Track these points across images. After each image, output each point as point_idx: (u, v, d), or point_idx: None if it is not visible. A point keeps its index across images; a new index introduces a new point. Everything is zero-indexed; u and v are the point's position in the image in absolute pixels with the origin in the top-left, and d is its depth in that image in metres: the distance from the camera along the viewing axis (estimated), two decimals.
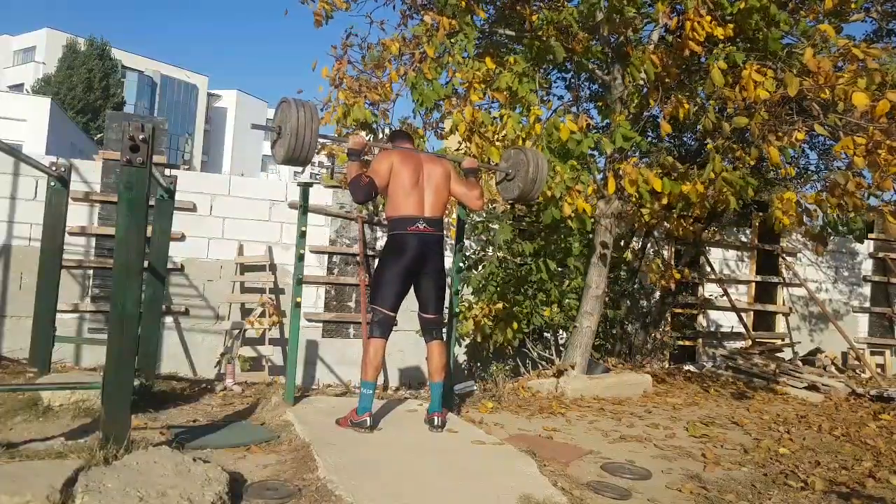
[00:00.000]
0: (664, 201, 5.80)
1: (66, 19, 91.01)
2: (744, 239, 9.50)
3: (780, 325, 9.64)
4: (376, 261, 7.59)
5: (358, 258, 7.52)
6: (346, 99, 5.57)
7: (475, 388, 5.76)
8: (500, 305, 6.56)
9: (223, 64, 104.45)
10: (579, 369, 5.92)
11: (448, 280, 4.36)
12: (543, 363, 6.58)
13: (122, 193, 2.90)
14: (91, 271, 6.78)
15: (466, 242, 6.75)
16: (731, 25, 5.04)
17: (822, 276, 10.00)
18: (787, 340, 9.35)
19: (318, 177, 11.18)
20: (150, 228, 4.50)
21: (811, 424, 5.09)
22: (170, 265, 6.35)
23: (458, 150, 5.75)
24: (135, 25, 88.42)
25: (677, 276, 7.90)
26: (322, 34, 13.07)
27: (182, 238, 6.95)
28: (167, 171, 5.63)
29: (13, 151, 3.93)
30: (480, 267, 7.06)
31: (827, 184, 5.06)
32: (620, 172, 5.13)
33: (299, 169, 3.91)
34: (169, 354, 6.87)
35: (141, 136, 2.87)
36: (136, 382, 3.97)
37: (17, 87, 33.77)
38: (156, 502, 2.34)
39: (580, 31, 5.44)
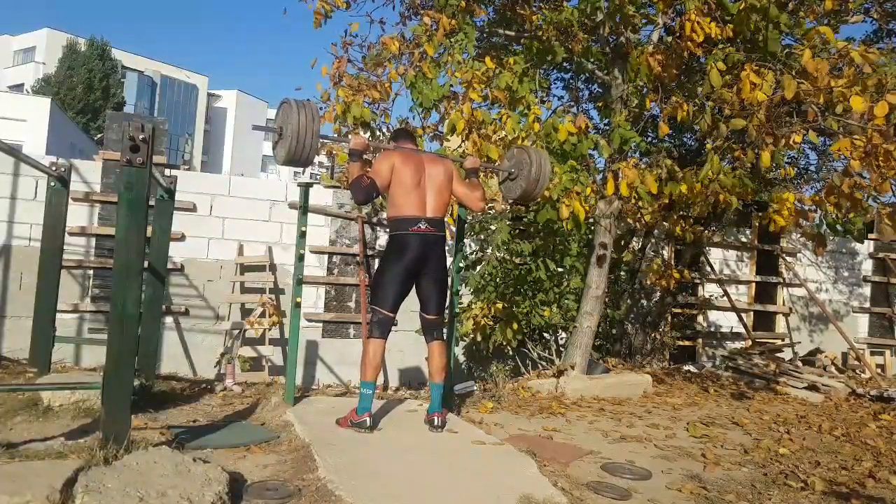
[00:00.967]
0: (664, 201, 5.81)
1: (66, 19, 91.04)
2: (744, 239, 9.50)
3: (780, 326, 9.65)
4: (376, 261, 7.62)
5: (358, 258, 7.51)
6: (345, 96, 5.57)
7: (475, 388, 5.76)
8: (499, 305, 6.56)
9: (223, 64, 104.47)
10: (579, 369, 5.92)
11: (448, 280, 4.36)
12: (543, 363, 6.58)
13: (122, 193, 2.90)
14: (91, 271, 6.78)
15: (466, 242, 6.76)
16: (730, 26, 5.04)
17: (822, 277, 10.00)
18: (787, 341, 9.36)
19: (317, 177, 11.18)
20: (150, 228, 4.50)
21: (811, 425, 5.09)
22: (170, 265, 6.35)
23: (457, 149, 5.75)
24: (135, 25, 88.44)
25: (677, 276, 7.90)
26: (322, 34, 13.09)
27: (182, 238, 6.95)
28: (167, 172, 5.63)
29: (13, 151, 3.93)
30: (479, 267, 7.06)
31: (826, 184, 5.06)
32: (620, 173, 5.13)
33: (299, 169, 3.93)
34: (169, 354, 6.87)
35: (141, 137, 2.87)
36: (136, 382, 3.97)
37: (17, 87, 33.77)
38: (156, 502, 2.34)
39: (580, 31, 5.45)
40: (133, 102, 40.57)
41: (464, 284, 6.77)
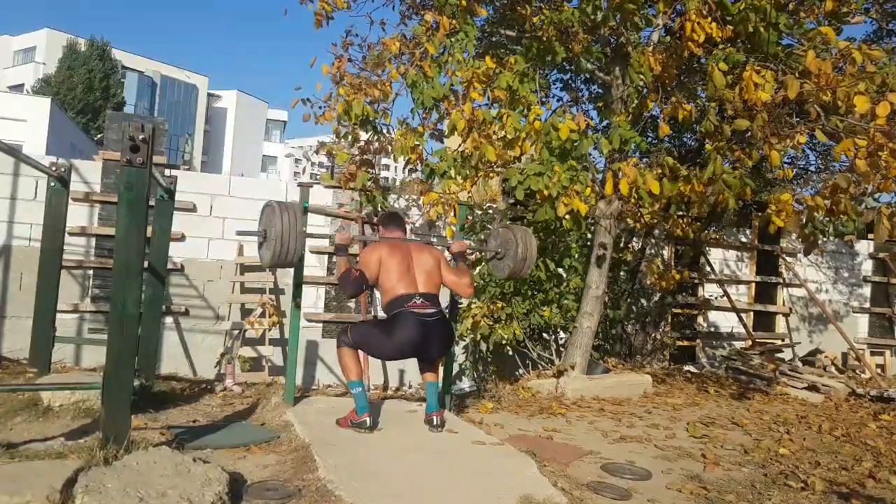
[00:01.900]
0: (663, 201, 5.80)
1: (66, 19, 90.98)
2: (744, 239, 9.50)
3: (780, 326, 9.64)
4: None
5: (358, 258, 7.50)
6: (346, 95, 5.56)
7: (475, 388, 5.76)
8: (499, 305, 6.56)
9: (223, 64, 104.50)
10: (579, 369, 5.92)
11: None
12: (543, 363, 6.58)
13: (122, 194, 2.90)
14: (91, 271, 6.77)
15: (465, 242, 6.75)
16: (730, 27, 5.04)
17: (822, 277, 10.00)
18: (786, 341, 9.35)
19: (317, 177, 11.18)
20: (150, 228, 4.50)
21: (811, 425, 5.09)
22: (170, 265, 6.35)
23: (456, 150, 5.75)
24: (135, 25, 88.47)
25: (677, 276, 7.90)
26: (322, 34, 13.04)
27: (182, 238, 6.94)
28: (167, 172, 5.62)
29: (13, 151, 3.93)
30: (479, 267, 7.06)
31: (821, 186, 5.07)
32: (620, 173, 5.13)
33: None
34: (169, 354, 6.86)
35: (141, 137, 2.87)
36: (136, 382, 3.97)
37: (17, 88, 33.75)
38: (156, 502, 2.34)
39: (581, 31, 5.44)
40: (133, 102, 40.52)
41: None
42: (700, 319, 9.23)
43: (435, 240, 5.03)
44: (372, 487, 2.80)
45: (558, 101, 8.14)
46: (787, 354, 9.02)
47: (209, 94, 48.23)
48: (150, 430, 3.53)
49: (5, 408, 3.74)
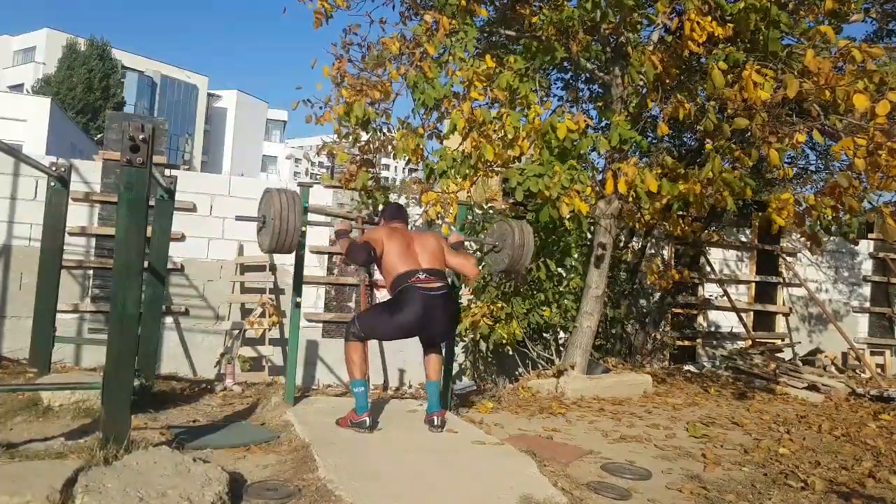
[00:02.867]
0: (663, 201, 5.80)
1: (66, 19, 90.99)
2: (744, 239, 9.50)
3: (780, 326, 9.64)
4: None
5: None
6: (347, 97, 5.56)
7: (475, 388, 5.76)
8: (499, 305, 6.56)
9: (223, 64, 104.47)
10: (579, 369, 5.92)
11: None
12: (543, 363, 6.58)
13: (122, 193, 2.90)
14: (91, 271, 6.77)
15: (465, 244, 6.75)
16: (730, 26, 5.04)
17: (822, 276, 10.00)
18: (786, 340, 9.35)
19: (317, 177, 11.18)
20: (150, 228, 4.50)
21: (811, 424, 5.09)
22: (170, 265, 6.34)
23: (456, 149, 5.74)
24: (135, 25, 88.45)
25: (677, 276, 7.90)
26: (322, 34, 13.09)
27: (182, 238, 6.94)
28: (167, 171, 5.62)
29: (13, 151, 3.93)
30: (479, 266, 7.06)
31: (823, 185, 5.07)
32: (619, 173, 5.13)
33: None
34: (169, 354, 6.86)
35: (141, 137, 2.87)
36: (136, 382, 3.96)
37: (17, 87, 33.73)
38: (156, 502, 2.34)
39: (580, 31, 5.44)
40: (133, 102, 40.50)
41: (464, 285, 6.77)
42: (700, 319, 9.23)
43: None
44: (372, 487, 2.80)
45: (558, 100, 8.14)
46: (787, 354, 9.03)
47: (209, 94, 48.22)
48: (150, 430, 3.53)
49: (5, 408, 3.74)
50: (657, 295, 8.55)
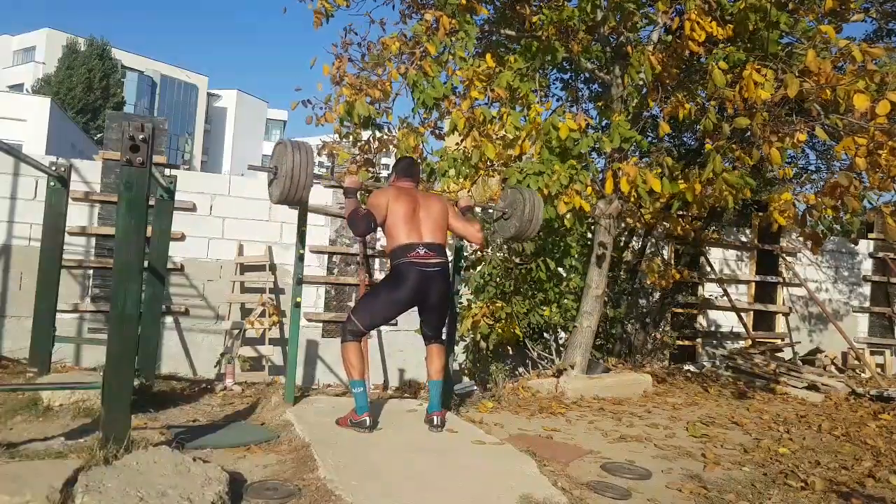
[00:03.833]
0: (663, 201, 5.80)
1: (66, 19, 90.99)
2: (744, 239, 9.50)
3: (780, 325, 9.64)
4: (377, 260, 7.63)
5: (358, 258, 7.51)
6: (348, 95, 5.56)
7: (475, 388, 5.76)
8: (499, 305, 6.56)
9: (223, 64, 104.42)
10: (579, 369, 5.92)
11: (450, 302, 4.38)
12: (543, 363, 6.58)
13: (122, 193, 2.89)
14: (91, 271, 6.78)
15: (465, 242, 6.75)
16: (730, 26, 5.04)
17: (821, 276, 10.00)
18: (786, 340, 9.35)
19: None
20: (150, 228, 4.50)
21: (811, 424, 5.09)
22: (170, 265, 6.35)
23: (456, 148, 5.75)
24: (135, 25, 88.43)
25: (677, 275, 7.90)
26: (322, 34, 13.10)
27: (182, 238, 6.95)
28: (167, 171, 5.63)
29: (13, 151, 3.92)
30: (480, 266, 7.06)
31: (824, 184, 5.06)
32: (620, 172, 5.13)
33: (294, 206, 3.97)
34: (169, 354, 6.87)
35: (141, 136, 2.87)
36: (136, 382, 3.97)
37: (17, 87, 33.73)
38: (156, 502, 2.34)
39: (581, 30, 5.44)
40: (133, 102, 40.51)
41: (464, 284, 6.77)
42: (700, 319, 9.23)
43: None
44: (372, 487, 2.80)
45: (558, 100, 8.14)
46: (787, 354, 9.03)
47: (209, 94, 48.22)
48: (150, 429, 3.52)
49: (5, 407, 3.74)
50: (657, 295, 8.55)
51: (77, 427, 3.49)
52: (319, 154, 7.17)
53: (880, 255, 10.20)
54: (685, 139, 8.72)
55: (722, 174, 5.22)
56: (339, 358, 7.59)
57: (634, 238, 8.40)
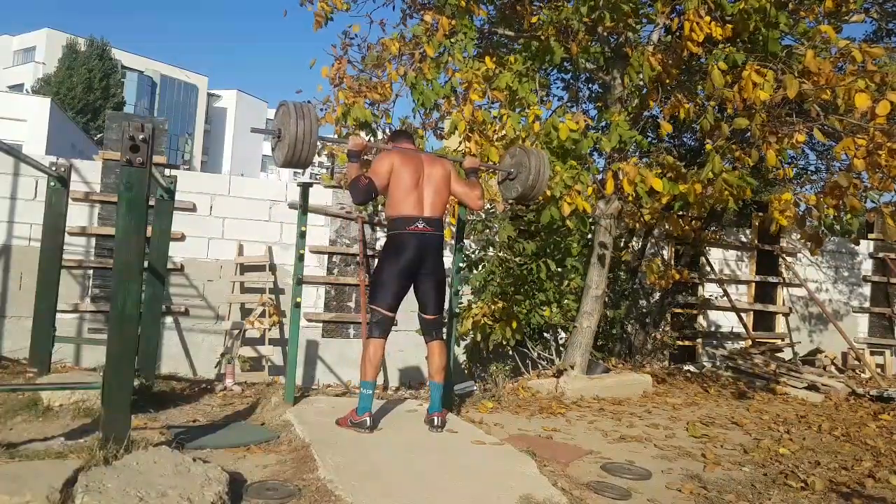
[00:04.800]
0: (663, 201, 5.79)
1: (66, 19, 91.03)
2: (744, 239, 9.51)
3: (780, 325, 9.65)
4: (376, 261, 7.62)
5: (358, 258, 7.52)
6: (345, 99, 5.57)
7: (475, 388, 5.76)
8: (499, 305, 6.56)
9: (223, 64, 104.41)
10: (579, 369, 5.92)
11: (448, 280, 4.36)
12: (543, 363, 6.58)
13: (122, 193, 2.89)
14: (91, 271, 6.78)
15: (466, 242, 6.75)
16: (730, 26, 5.04)
17: (821, 276, 10.00)
18: (786, 340, 9.35)
19: (317, 177, 11.18)
20: (150, 228, 4.50)
21: (811, 424, 5.09)
22: (170, 265, 6.35)
23: (457, 150, 5.75)
24: (135, 25, 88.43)
25: (677, 276, 7.90)
26: (322, 34, 13.08)
27: (182, 238, 6.95)
28: (167, 171, 5.63)
29: (13, 151, 3.93)
30: (480, 266, 7.06)
31: (825, 185, 5.06)
32: (620, 172, 5.13)
33: (299, 169, 3.92)
34: (169, 354, 6.87)
35: (141, 136, 2.87)
36: (136, 382, 3.97)
37: (17, 87, 33.73)
38: (156, 502, 2.34)
39: (580, 31, 5.44)
40: (133, 102, 40.52)
41: (464, 284, 6.77)
42: (700, 319, 9.23)
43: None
44: (372, 487, 2.80)
45: (558, 100, 8.14)
46: (787, 354, 9.03)
47: (209, 94, 48.24)
48: (150, 429, 3.52)
49: (5, 407, 3.74)
50: (657, 295, 8.55)
51: (77, 427, 3.49)
52: (319, 154, 7.18)
53: (880, 255, 10.20)
54: (685, 139, 8.73)
55: (721, 174, 5.22)
56: (339, 358, 7.65)
57: (634, 238, 8.40)
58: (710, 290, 9.15)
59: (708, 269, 9.06)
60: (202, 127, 47.08)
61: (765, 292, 9.69)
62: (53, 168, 4.76)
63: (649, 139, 7.39)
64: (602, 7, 5.13)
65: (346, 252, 7.64)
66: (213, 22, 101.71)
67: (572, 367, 5.86)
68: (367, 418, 3.66)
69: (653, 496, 3.15)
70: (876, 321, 10.31)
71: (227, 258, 7.22)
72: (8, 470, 2.56)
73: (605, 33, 5.84)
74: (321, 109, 5.99)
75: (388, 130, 6.25)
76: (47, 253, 4.85)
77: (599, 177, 6.15)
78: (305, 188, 4.40)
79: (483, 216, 7.16)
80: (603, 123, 6.34)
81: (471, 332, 6.67)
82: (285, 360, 5.66)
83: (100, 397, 3.03)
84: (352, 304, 7.67)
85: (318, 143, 3.84)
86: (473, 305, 6.75)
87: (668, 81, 5.60)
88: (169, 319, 6.93)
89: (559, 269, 6.90)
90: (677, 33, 5.41)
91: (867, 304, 10.27)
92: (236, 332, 7.04)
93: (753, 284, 9.56)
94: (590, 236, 6.61)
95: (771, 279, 9.61)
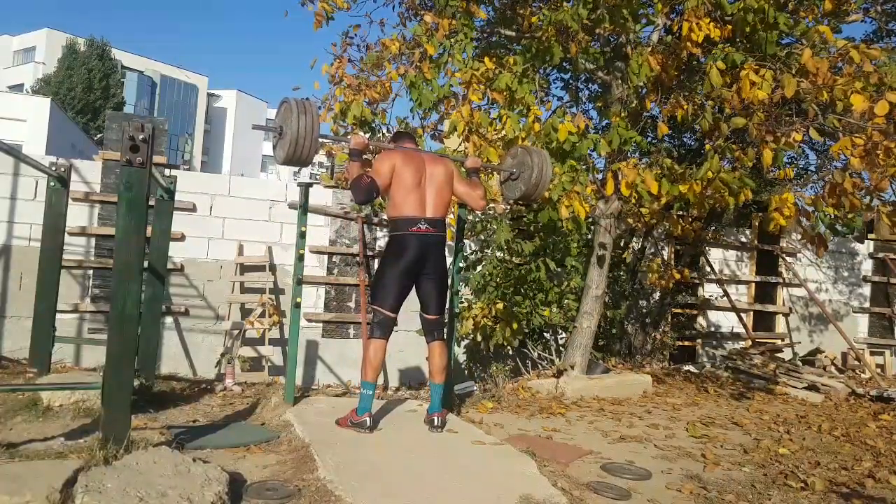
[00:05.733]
0: (663, 201, 5.79)
1: (66, 19, 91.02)
2: (744, 239, 9.51)
3: (780, 326, 9.65)
4: (376, 261, 7.62)
5: (358, 258, 7.52)
6: (345, 96, 5.56)
7: (475, 388, 5.76)
8: (499, 305, 6.56)
9: (223, 64, 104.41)
10: (579, 369, 5.92)
11: (449, 280, 4.36)
12: (543, 363, 6.58)
13: (122, 193, 2.90)
14: (91, 271, 6.78)
15: (466, 242, 6.76)
16: (729, 26, 5.04)
17: (821, 277, 10.00)
18: (786, 341, 9.36)
19: (317, 177, 11.19)
20: (150, 228, 4.50)
21: (811, 425, 5.09)
22: (170, 265, 6.35)
23: (456, 150, 5.75)
24: (135, 25, 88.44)
25: (677, 276, 7.90)
26: (322, 34, 13.10)
27: (182, 238, 6.95)
28: (167, 171, 5.63)
29: (13, 151, 3.93)
30: (480, 267, 7.06)
31: (825, 183, 5.05)
32: (619, 174, 5.13)
33: (299, 169, 3.92)
34: (169, 354, 6.87)
35: (141, 136, 2.87)
36: (136, 382, 3.97)
37: (17, 87, 33.74)
38: (156, 502, 2.34)
39: (580, 31, 5.44)
40: (133, 102, 40.53)
41: (464, 284, 6.77)
42: (700, 319, 9.23)
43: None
44: (372, 487, 2.80)
45: (558, 100, 8.14)
46: (787, 354, 9.03)
47: (209, 94, 48.24)
48: (150, 430, 3.52)
49: (5, 408, 3.74)
50: (657, 295, 8.55)
51: (77, 427, 3.49)
52: (317, 154, 7.18)
53: (880, 255, 10.20)
54: (685, 139, 8.73)
55: (719, 175, 5.22)
56: (339, 358, 7.65)
57: (634, 238, 8.41)
58: (710, 290, 9.15)
59: (708, 269, 9.06)
60: (202, 127, 47.09)
61: (765, 292, 9.69)
62: (53, 168, 4.76)
63: (649, 139, 7.39)
64: (601, 7, 5.13)
65: (346, 252, 7.64)
66: (213, 22, 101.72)
67: (572, 368, 5.86)
68: (367, 418, 3.66)
69: (653, 496, 3.16)
70: (876, 321, 10.31)
71: (227, 258, 7.22)
72: (8, 470, 2.56)
73: (605, 34, 5.84)
74: (320, 107, 5.99)
75: (387, 131, 6.26)
76: (47, 253, 4.85)
77: (599, 177, 6.16)
78: (305, 188, 4.41)
79: (481, 216, 7.16)
80: (604, 123, 6.34)
81: (470, 333, 6.67)
82: (285, 361, 5.67)
83: (100, 397, 3.03)
84: (352, 305, 7.67)
85: (320, 142, 3.82)
86: (473, 306, 6.75)
87: (667, 82, 5.60)
88: (169, 319, 6.93)
89: (559, 269, 6.90)
90: (677, 34, 5.41)
91: (867, 305, 10.27)
92: (236, 332, 7.04)
93: (753, 284, 9.56)
94: (589, 236, 6.62)
95: (771, 279, 9.61)
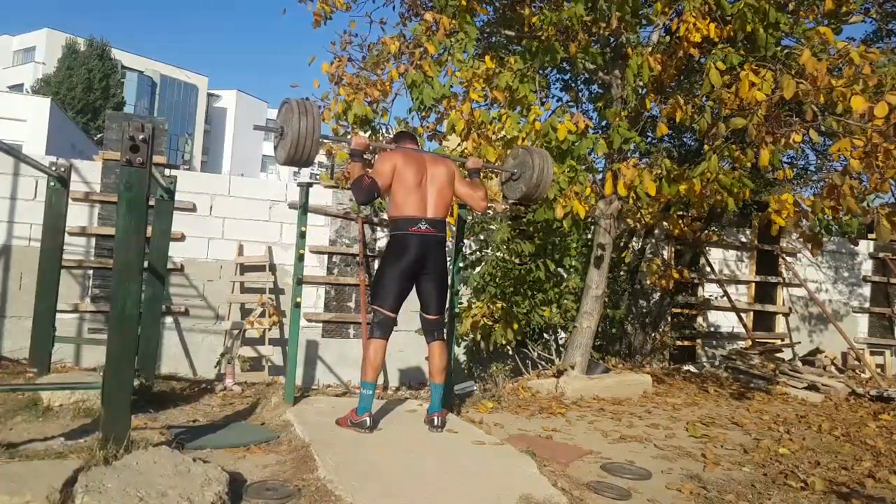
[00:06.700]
0: (663, 201, 5.79)
1: (66, 19, 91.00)
2: (743, 239, 9.51)
3: (780, 326, 9.65)
4: (376, 261, 7.62)
5: (358, 258, 7.52)
6: (346, 95, 5.56)
7: (475, 388, 5.76)
8: (499, 305, 6.56)
9: (223, 64, 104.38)
10: (579, 369, 5.92)
11: (449, 280, 4.36)
12: (543, 363, 6.58)
13: (122, 193, 2.90)
14: (91, 271, 6.78)
15: (465, 242, 6.75)
16: (729, 27, 5.04)
17: (821, 277, 10.00)
18: (786, 341, 9.36)
19: (317, 176, 11.19)
20: (150, 228, 4.50)
21: (811, 424, 5.09)
22: (170, 265, 6.35)
23: (456, 150, 5.75)
24: (135, 25, 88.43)
25: (677, 276, 7.90)
26: (322, 34, 13.09)
27: (182, 238, 6.95)
28: (167, 171, 5.63)
29: (13, 151, 3.93)
30: (479, 267, 7.06)
31: (824, 184, 5.06)
32: (619, 174, 5.12)
33: (299, 169, 3.92)
34: (169, 354, 6.87)
35: (141, 137, 2.87)
36: (136, 382, 3.97)
37: (17, 87, 33.73)
38: (156, 502, 2.34)
39: (580, 31, 5.44)
40: (133, 102, 40.52)
41: (464, 284, 6.78)
42: (700, 319, 9.23)
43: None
44: (372, 487, 2.80)
45: (558, 101, 8.14)
46: (786, 354, 9.03)
47: (209, 94, 48.22)
48: (150, 429, 3.52)
49: (5, 408, 3.74)
50: (657, 295, 8.55)
51: (77, 427, 3.49)
52: (318, 153, 7.18)
53: (880, 255, 10.21)
54: (685, 140, 8.73)
55: (717, 175, 5.22)
56: (339, 358, 7.65)
57: (634, 238, 8.41)
58: (709, 290, 9.15)
59: (708, 269, 9.06)
60: (202, 127, 47.07)
61: (765, 292, 9.69)
62: (53, 168, 4.76)
63: (648, 139, 7.39)
64: (605, 9, 5.14)
65: (346, 252, 7.64)
66: (213, 22, 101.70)
67: (572, 367, 5.86)
68: (367, 418, 3.66)
69: (653, 496, 3.16)
70: (876, 321, 10.31)
71: (227, 258, 7.22)
72: (8, 470, 2.56)
73: (606, 33, 5.85)
74: (319, 106, 5.98)
75: (386, 131, 6.26)
76: (47, 253, 4.85)
77: (599, 177, 6.16)
78: (306, 188, 4.41)
79: (481, 217, 7.16)
80: (603, 123, 6.34)
81: (470, 333, 6.67)
82: (285, 360, 5.67)
83: (100, 397, 3.03)
84: (352, 305, 7.67)
85: (321, 142, 3.82)
86: (473, 306, 6.76)
87: (667, 82, 5.60)
88: (169, 319, 6.93)
89: (558, 269, 6.90)
90: (676, 34, 5.41)
91: (867, 305, 10.27)
92: (236, 332, 7.04)
93: (753, 284, 9.57)
94: (589, 236, 6.62)
95: (771, 279, 9.61)
